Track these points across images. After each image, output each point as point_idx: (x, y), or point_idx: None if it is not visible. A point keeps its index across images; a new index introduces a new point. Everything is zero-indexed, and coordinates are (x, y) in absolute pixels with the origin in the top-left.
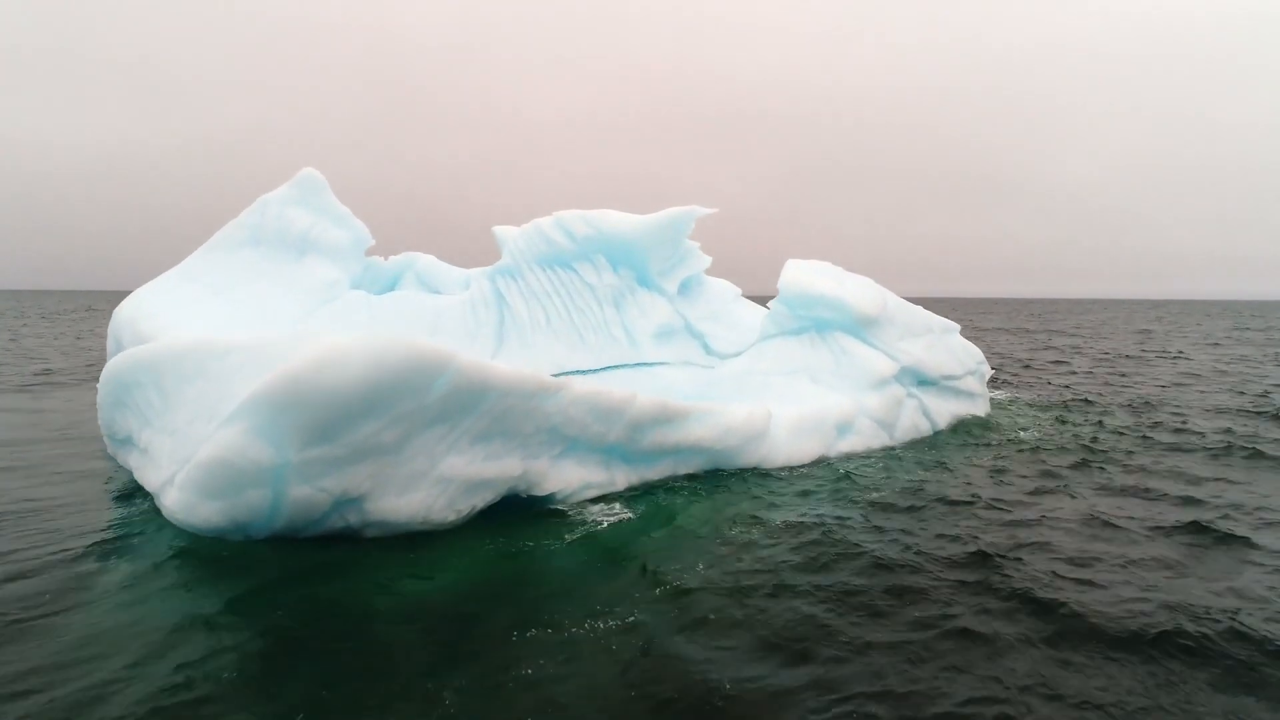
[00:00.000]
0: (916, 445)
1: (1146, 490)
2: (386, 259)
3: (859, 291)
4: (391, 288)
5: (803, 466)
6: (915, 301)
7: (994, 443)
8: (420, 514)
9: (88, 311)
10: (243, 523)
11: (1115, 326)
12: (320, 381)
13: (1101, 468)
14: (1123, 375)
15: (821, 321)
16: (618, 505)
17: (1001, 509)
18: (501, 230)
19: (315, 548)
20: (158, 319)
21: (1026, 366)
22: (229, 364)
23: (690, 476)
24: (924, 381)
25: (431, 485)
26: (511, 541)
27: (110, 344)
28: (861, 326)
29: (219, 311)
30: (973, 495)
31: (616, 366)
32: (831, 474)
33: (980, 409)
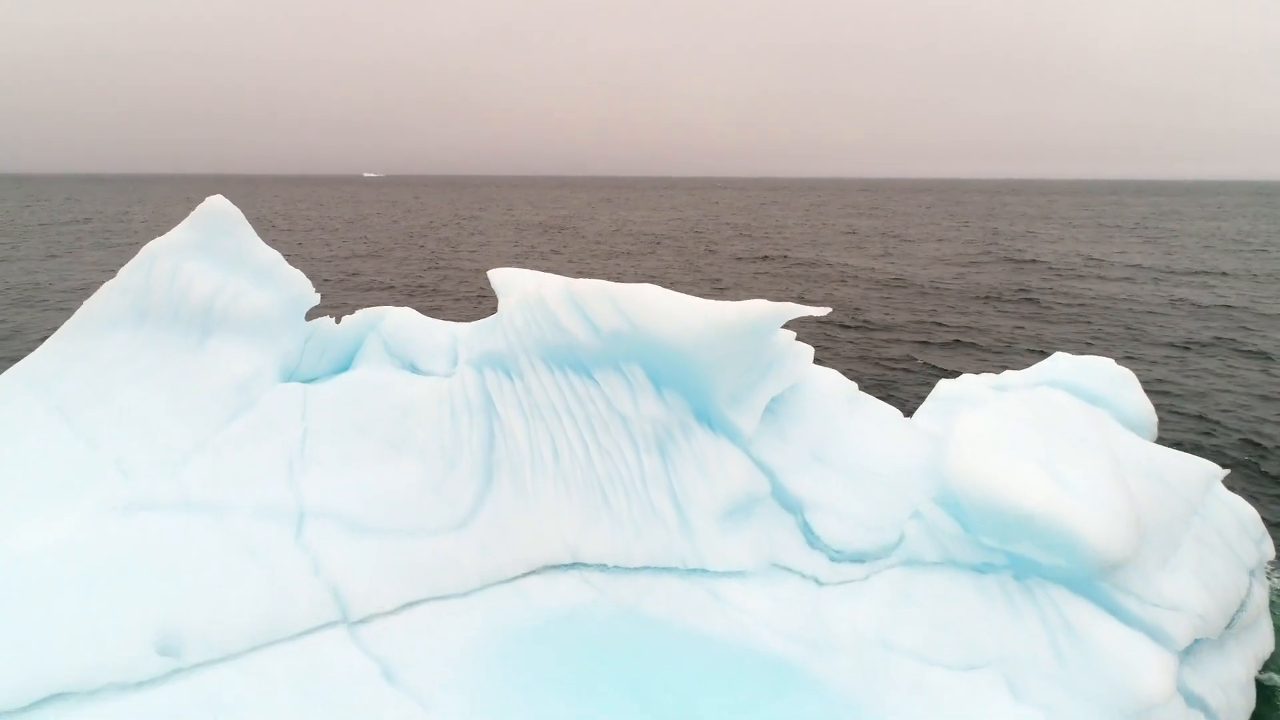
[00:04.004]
0: None
1: None
2: (339, 321)
3: (1100, 509)
4: (346, 365)
5: None
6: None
7: None
8: None
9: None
10: None
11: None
12: None
13: None
14: None
15: (1024, 562)
16: None
17: None
18: (500, 279)
19: None
20: None
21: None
22: None
23: None
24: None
25: None
26: None
27: None
28: (1101, 575)
29: (61, 451)
30: None
31: (660, 569)
32: None
33: (1265, 640)
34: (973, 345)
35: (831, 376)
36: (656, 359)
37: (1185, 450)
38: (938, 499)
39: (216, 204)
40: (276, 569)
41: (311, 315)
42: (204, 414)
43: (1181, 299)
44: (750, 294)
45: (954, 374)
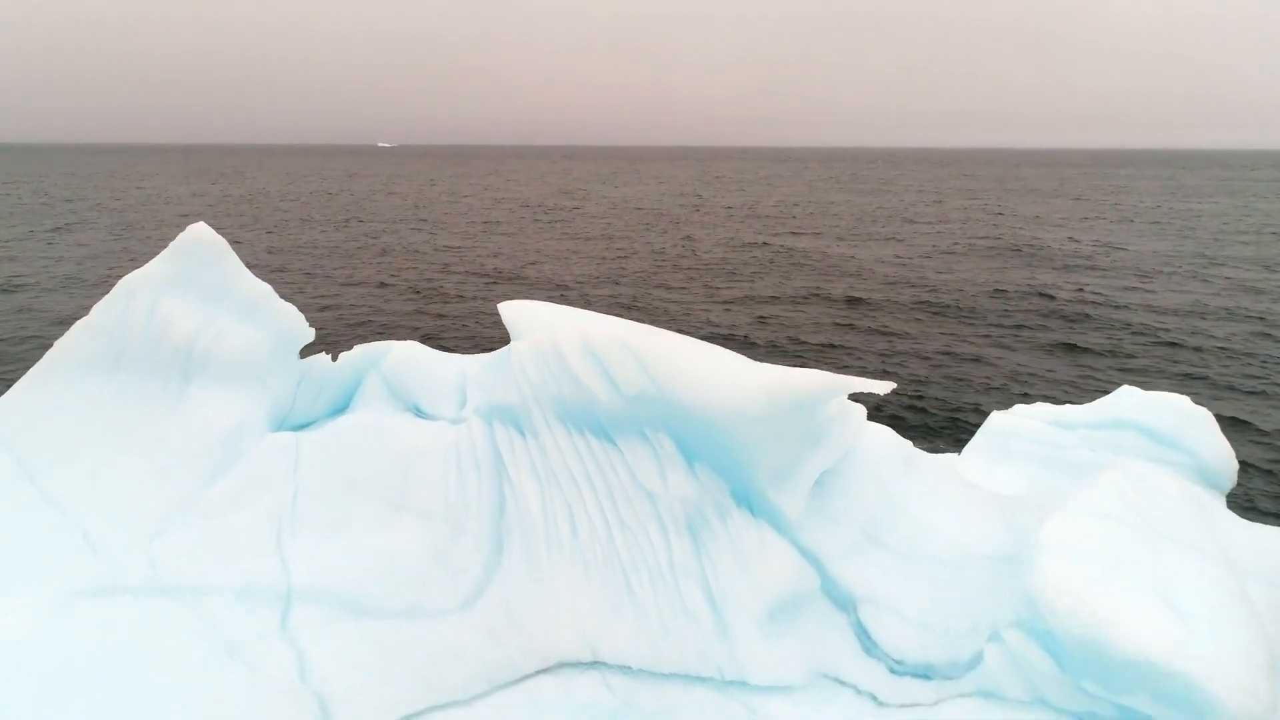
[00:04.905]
0: None
1: None
2: (336, 358)
3: (1233, 654)
4: (344, 406)
5: None
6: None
7: None
8: None
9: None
10: None
11: None
12: None
13: None
14: None
15: (1136, 715)
16: None
17: None
18: (512, 315)
19: None
20: None
21: None
22: None
23: None
24: None
25: None
26: None
27: None
28: None
29: (26, 520)
30: None
31: (692, 678)
32: None
33: None
34: (993, 356)
35: (883, 436)
36: (686, 429)
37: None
38: (1022, 624)
39: (199, 232)
40: (257, 671)
41: (306, 352)
42: (184, 473)
43: (1217, 294)
44: (750, 289)
45: (980, 386)
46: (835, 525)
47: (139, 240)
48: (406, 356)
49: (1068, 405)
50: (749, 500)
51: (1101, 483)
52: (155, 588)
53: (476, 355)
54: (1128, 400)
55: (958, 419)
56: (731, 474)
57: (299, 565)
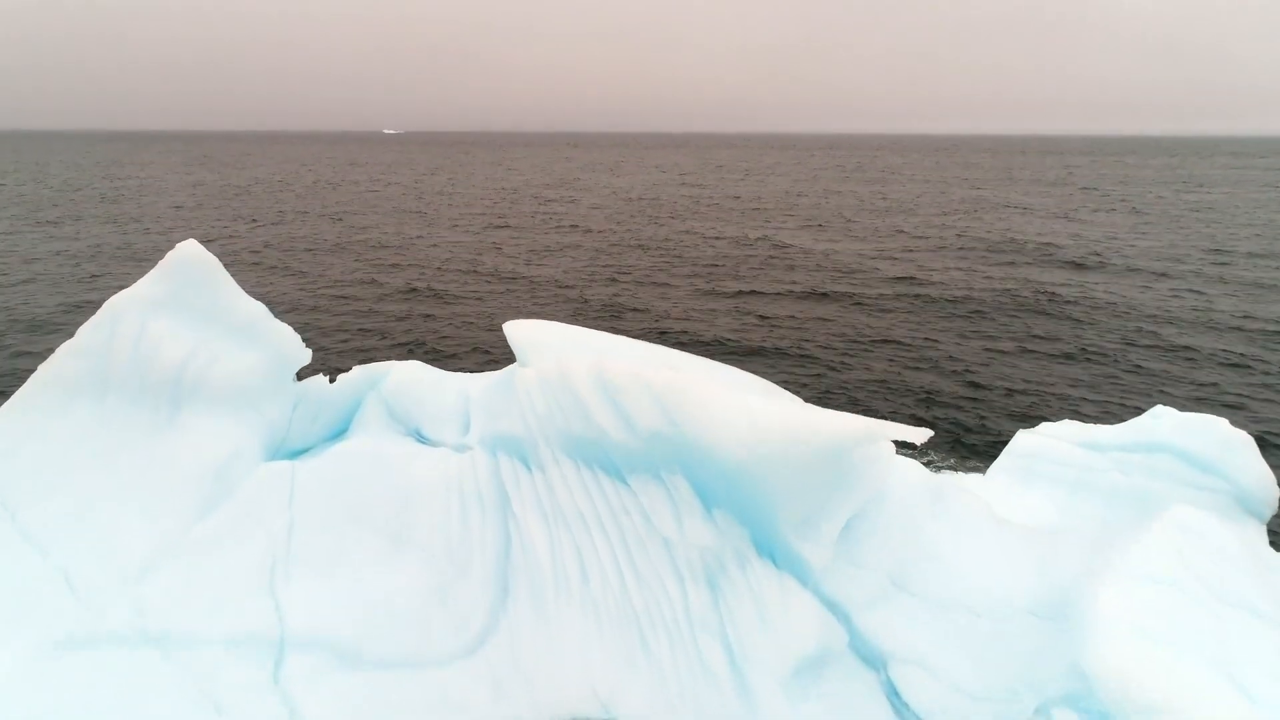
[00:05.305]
0: None
1: None
2: (334, 380)
3: None
4: (342, 432)
5: None
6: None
7: None
8: None
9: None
10: None
11: None
12: None
13: None
14: None
15: None
16: None
17: None
18: (519, 336)
19: None
20: None
21: None
22: None
23: None
24: None
25: None
26: None
27: None
28: None
29: (4, 560)
30: None
31: None
32: None
33: None
34: (1004, 360)
35: (910, 471)
36: (705, 472)
37: None
38: (1072, 700)
39: (189, 251)
40: None
41: (303, 374)
42: (173, 508)
43: (1233, 294)
44: (752, 286)
45: (989, 391)
46: (861, 571)
47: (132, 234)
48: (407, 378)
49: (1097, 425)
50: (771, 549)
51: (1154, 541)
52: (140, 636)
53: (479, 375)
54: (1163, 421)
55: (969, 426)
56: (753, 520)
57: (293, 610)
